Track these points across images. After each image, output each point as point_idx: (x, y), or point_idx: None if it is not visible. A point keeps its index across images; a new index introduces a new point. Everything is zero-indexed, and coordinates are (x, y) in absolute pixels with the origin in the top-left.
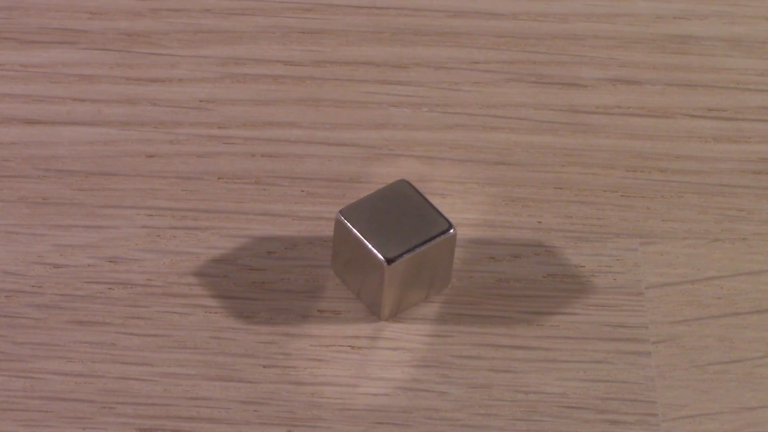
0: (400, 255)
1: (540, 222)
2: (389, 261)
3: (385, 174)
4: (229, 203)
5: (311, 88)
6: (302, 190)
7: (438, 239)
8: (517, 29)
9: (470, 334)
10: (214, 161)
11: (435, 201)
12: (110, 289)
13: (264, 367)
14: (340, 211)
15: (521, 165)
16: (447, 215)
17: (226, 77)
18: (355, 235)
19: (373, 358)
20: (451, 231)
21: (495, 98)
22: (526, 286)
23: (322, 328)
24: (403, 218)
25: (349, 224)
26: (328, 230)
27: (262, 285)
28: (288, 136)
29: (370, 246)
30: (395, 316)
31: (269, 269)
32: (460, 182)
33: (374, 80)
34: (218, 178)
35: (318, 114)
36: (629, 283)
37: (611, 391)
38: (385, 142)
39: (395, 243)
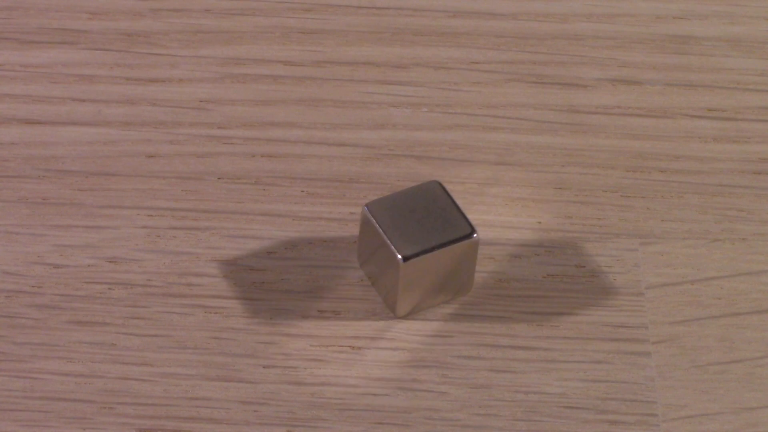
0: (417, 254)
1: (540, 222)
2: (405, 258)
3: (385, 174)
4: (229, 203)
5: (311, 88)
6: (302, 190)
7: (459, 243)
8: (517, 29)
9: (470, 334)
10: (214, 161)
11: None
12: (110, 289)
13: (264, 367)
14: (366, 205)
15: (521, 165)
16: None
17: (226, 77)
18: (377, 230)
19: (373, 358)
20: (474, 236)
21: (495, 98)
22: (526, 286)
23: (322, 328)
24: (427, 218)
25: (372, 219)
26: (328, 230)
27: (262, 285)
28: (288, 136)
29: (389, 242)
30: (411, 315)
31: (269, 269)
32: (460, 182)
33: (374, 80)
34: (218, 178)
35: (318, 114)
36: (629, 283)
37: (611, 391)
38: (385, 142)
39: (414, 241)
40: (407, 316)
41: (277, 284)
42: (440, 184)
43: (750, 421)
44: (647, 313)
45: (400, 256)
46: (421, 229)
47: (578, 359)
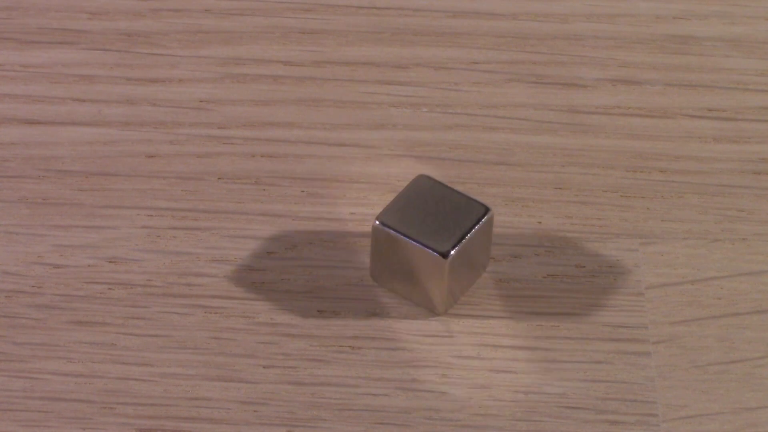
0: (454, 247)
1: (540, 222)
2: (444, 255)
3: (385, 174)
4: (229, 203)
5: (311, 88)
6: (302, 190)
7: (481, 223)
8: (517, 29)
9: (470, 334)
10: (214, 161)
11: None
12: (110, 289)
13: (264, 367)
14: (377, 219)
15: (521, 165)
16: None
17: (226, 77)
18: (402, 239)
19: (373, 358)
20: (490, 212)
21: (495, 98)
22: (526, 286)
23: (322, 328)
24: (440, 211)
25: (391, 230)
26: (328, 230)
27: (262, 285)
28: (288, 136)
29: (421, 246)
30: (451, 307)
31: (269, 269)
32: (460, 182)
33: (374, 80)
34: (218, 178)
35: (318, 114)
36: (629, 283)
37: (611, 391)
38: (385, 142)
39: (445, 237)
40: (448, 311)
41: (277, 284)
42: (429, 177)
43: (750, 421)
44: (647, 313)
45: (439, 254)
46: (441, 223)
47: (578, 359)
